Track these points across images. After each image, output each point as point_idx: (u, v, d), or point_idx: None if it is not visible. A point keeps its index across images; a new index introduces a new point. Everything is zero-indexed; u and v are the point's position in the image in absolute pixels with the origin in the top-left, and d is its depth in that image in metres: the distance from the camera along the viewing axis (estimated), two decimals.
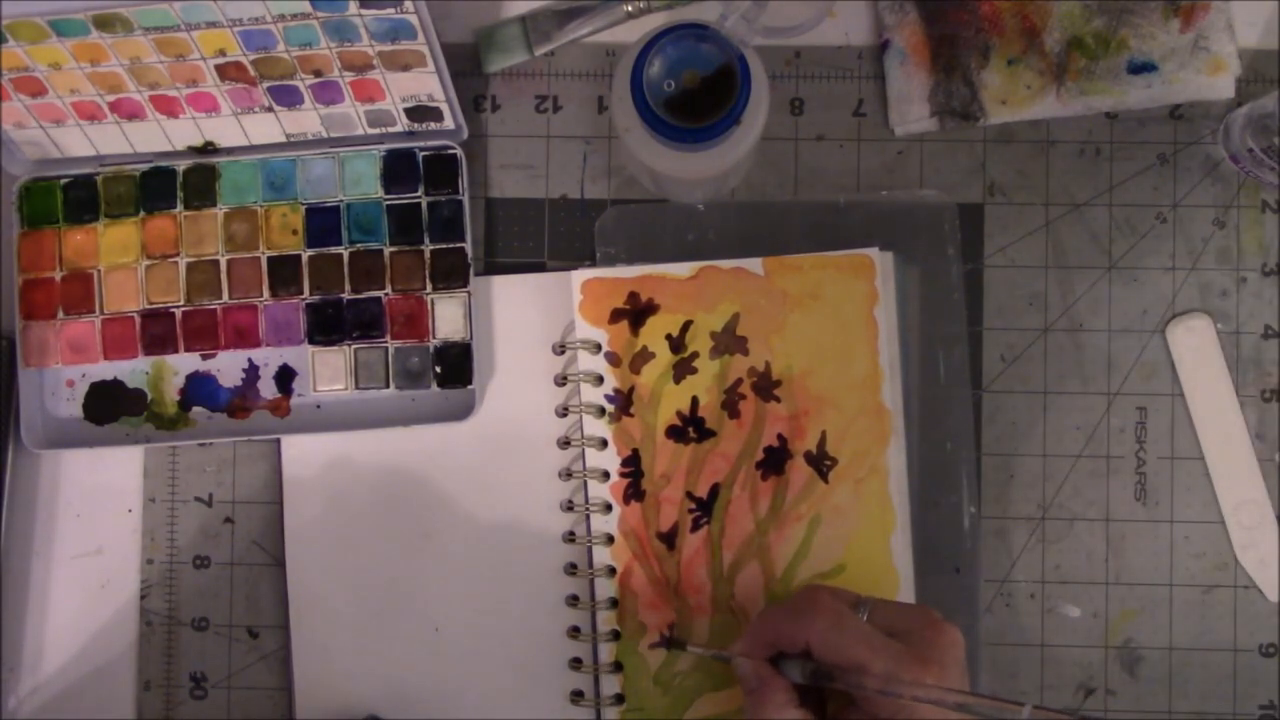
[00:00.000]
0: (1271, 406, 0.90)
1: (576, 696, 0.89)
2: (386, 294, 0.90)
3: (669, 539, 0.88)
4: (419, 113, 0.89)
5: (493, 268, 0.92)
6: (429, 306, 0.90)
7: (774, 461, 0.88)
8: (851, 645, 0.73)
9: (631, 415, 0.89)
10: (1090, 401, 0.91)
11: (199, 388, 0.92)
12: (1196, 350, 0.90)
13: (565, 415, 0.90)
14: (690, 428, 0.89)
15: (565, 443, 0.90)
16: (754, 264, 0.88)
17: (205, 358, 0.92)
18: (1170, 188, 0.91)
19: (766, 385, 0.88)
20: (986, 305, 0.91)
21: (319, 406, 0.92)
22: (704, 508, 0.88)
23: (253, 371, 0.92)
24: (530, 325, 0.91)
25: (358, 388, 0.91)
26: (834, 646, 0.74)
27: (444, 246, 0.90)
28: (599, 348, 0.89)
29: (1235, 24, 0.90)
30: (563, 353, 0.90)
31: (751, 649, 0.79)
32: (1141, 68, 0.89)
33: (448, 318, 0.90)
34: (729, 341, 0.88)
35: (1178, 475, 0.91)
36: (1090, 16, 0.89)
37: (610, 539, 0.89)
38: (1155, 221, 0.91)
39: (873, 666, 0.72)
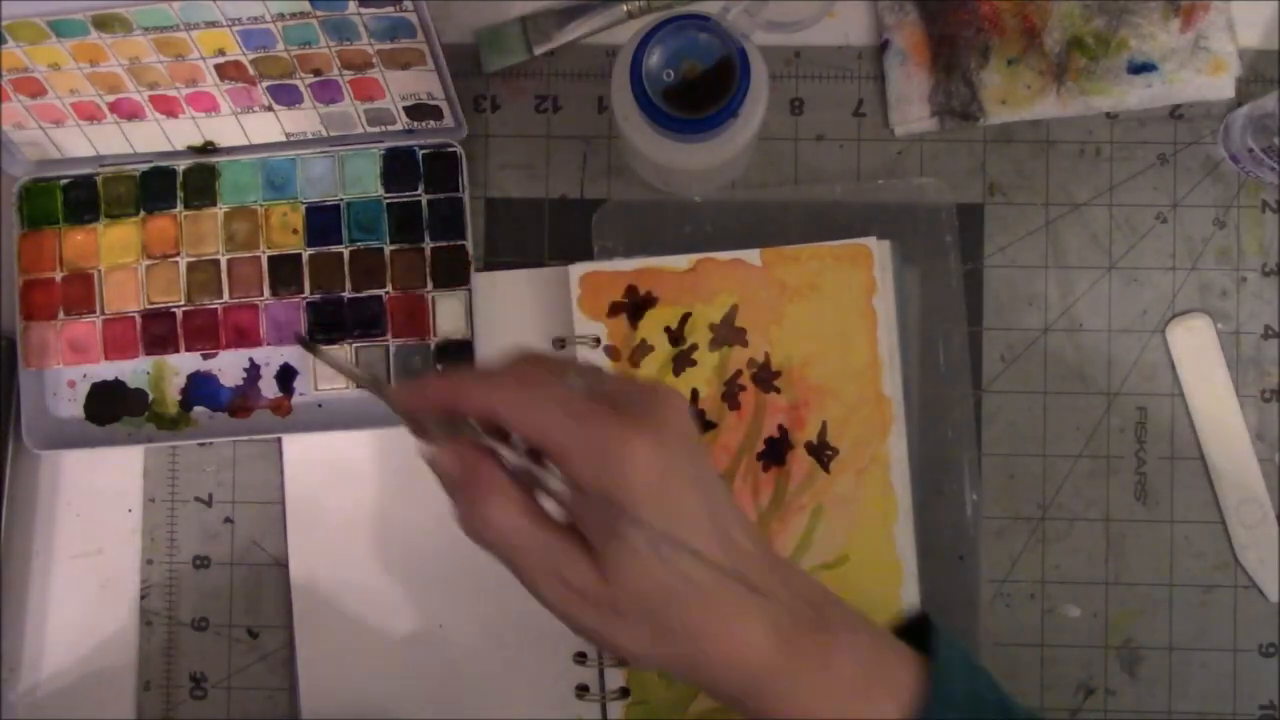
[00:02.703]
0: (1271, 406, 0.90)
1: (582, 690, 0.89)
2: (387, 292, 0.90)
3: None
4: (419, 111, 0.89)
5: (493, 268, 0.92)
6: (430, 304, 0.90)
7: (775, 452, 0.88)
8: (545, 407, 0.62)
9: None
10: (1090, 401, 0.91)
11: (200, 387, 0.92)
12: (1196, 350, 0.90)
13: None
14: None
15: None
16: (752, 255, 0.88)
17: (206, 357, 0.92)
18: (1170, 188, 0.91)
19: (766, 376, 0.88)
20: (986, 305, 0.91)
21: (320, 405, 0.92)
22: None
23: (254, 371, 0.92)
24: (529, 321, 0.91)
25: (359, 386, 0.90)
26: (525, 413, 0.62)
27: (444, 244, 0.90)
28: (598, 341, 0.89)
29: (1235, 24, 0.90)
30: (562, 347, 0.90)
31: (410, 399, 0.66)
32: (1141, 68, 0.90)
33: (449, 315, 0.90)
34: (728, 333, 0.88)
35: (1178, 475, 0.90)
36: (1090, 16, 0.90)
37: None
38: (1155, 221, 0.91)
39: (569, 439, 0.61)
